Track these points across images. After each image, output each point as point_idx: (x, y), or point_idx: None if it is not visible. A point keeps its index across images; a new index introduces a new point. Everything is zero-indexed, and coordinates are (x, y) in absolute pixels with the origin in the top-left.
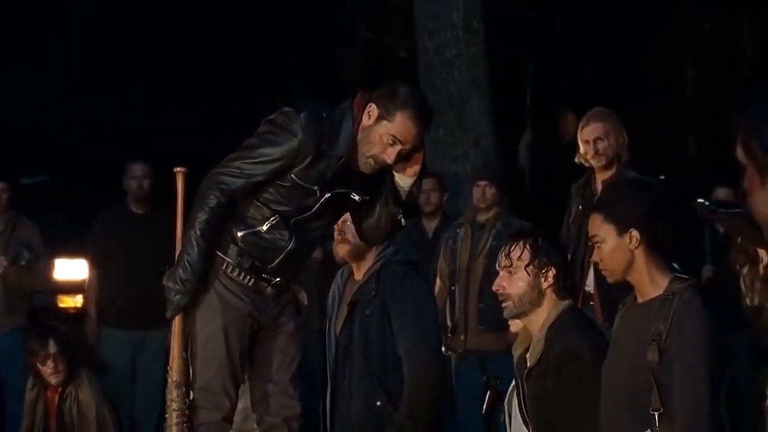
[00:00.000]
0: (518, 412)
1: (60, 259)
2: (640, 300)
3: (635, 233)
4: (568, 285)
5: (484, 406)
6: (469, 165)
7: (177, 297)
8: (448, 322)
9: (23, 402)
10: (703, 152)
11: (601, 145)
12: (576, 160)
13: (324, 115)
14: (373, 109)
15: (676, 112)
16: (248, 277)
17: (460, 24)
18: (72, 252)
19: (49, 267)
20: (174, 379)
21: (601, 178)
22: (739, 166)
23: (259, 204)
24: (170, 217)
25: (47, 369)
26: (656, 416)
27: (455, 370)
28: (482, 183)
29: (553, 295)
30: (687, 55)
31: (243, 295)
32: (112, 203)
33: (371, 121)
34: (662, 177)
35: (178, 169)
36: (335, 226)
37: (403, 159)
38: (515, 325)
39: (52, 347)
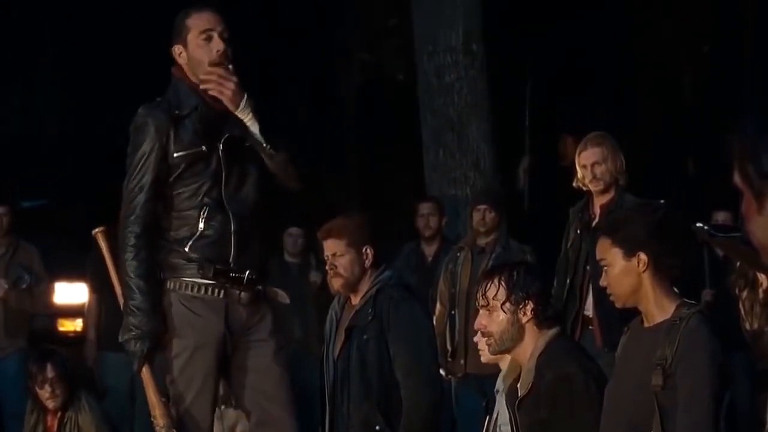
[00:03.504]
0: None
1: (60, 282)
2: (646, 324)
3: (643, 256)
4: (549, 314)
5: (483, 430)
6: (468, 188)
7: (137, 345)
8: (448, 346)
9: (24, 426)
10: (702, 175)
11: (598, 170)
12: (574, 184)
13: (158, 99)
14: (178, 48)
15: (675, 134)
16: (216, 289)
17: (460, 47)
18: (72, 276)
19: (50, 291)
20: (161, 425)
21: (599, 202)
22: (737, 190)
23: (180, 213)
24: None
25: (45, 393)
26: None
27: (455, 394)
28: (482, 207)
29: (535, 328)
30: (686, 79)
31: (212, 314)
32: (111, 226)
33: (186, 54)
34: (662, 201)
35: (97, 230)
36: (326, 261)
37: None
38: (486, 356)
39: (50, 371)
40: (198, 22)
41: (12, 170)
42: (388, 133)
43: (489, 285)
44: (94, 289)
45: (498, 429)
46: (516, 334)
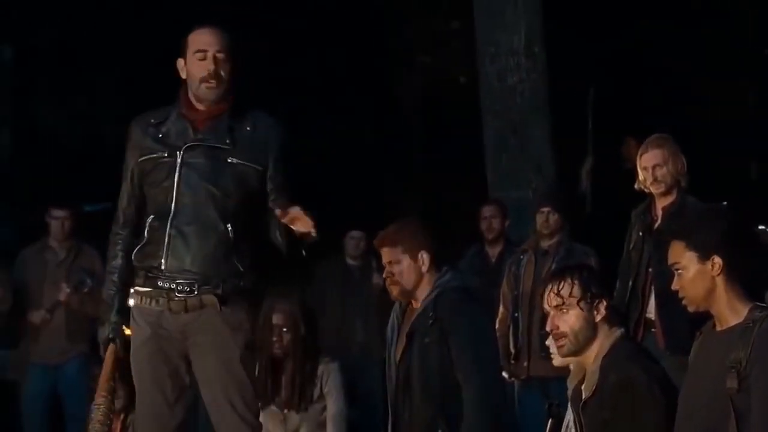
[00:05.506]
0: None
1: None
2: (718, 328)
3: (718, 260)
4: (617, 314)
5: None
6: (530, 190)
7: (100, 332)
8: (511, 349)
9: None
10: (766, 178)
11: (659, 172)
12: (636, 186)
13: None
14: (181, 61)
15: (738, 137)
16: (148, 299)
17: (522, 49)
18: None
19: None
20: (99, 404)
21: (660, 204)
22: None
23: (144, 216)
24: None
25: None
26: None
27: (518, 397)
28: (545, 209)
29: (606, 326)
30: (749, 80)
31: (145, 323)
32: None
33: (185, 68)
34: (724, 203)
35: None
36: (385, 267)
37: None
38: (558, 359)
39: None
40: (196, 39)
41: (74, 174)
42: (450, 136)
43: (562, 284)
44: None
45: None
46: (590, 332)
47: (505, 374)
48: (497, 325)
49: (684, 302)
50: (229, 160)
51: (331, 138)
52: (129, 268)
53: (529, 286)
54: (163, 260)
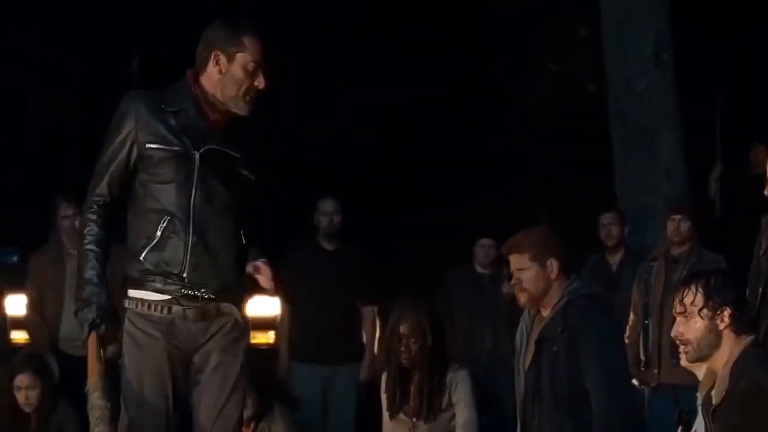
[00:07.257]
0: None
1: (255, 296)
2: None
3: None
4: (746, 321)
5: None
6: (660, 198)
7: (85, 313)
8: (642, 356)
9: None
10: None
11: None
12: (765, 192)
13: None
14: (219, 55)
15: None
16: (161, 306)
17: (651, 56)
18: (261, 289)
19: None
20: (92, 390)
21: None
22: None
23: (145, 217)
24: (358, 252)
25: None
26: None
27: (648, 404)
28: (676, 217)
29: (732, 334)
30: None
31: (156, 331)
32: (301, 239)
33: (226, 65)
34: None
35: None
36: (513, 274)
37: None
38: (685, 362)
39: None
40: (255, 48)
41: None
42: (578, 143)
43: (686, 292)
44: (287, 301)
45: None
46: (713, 340)
47: (635, 381)
48: (628, 332)
49: None
50: (239, 170)
51: (459, 146)
52: (107, 246)
53: (659, 294)
54: (185, 268)
